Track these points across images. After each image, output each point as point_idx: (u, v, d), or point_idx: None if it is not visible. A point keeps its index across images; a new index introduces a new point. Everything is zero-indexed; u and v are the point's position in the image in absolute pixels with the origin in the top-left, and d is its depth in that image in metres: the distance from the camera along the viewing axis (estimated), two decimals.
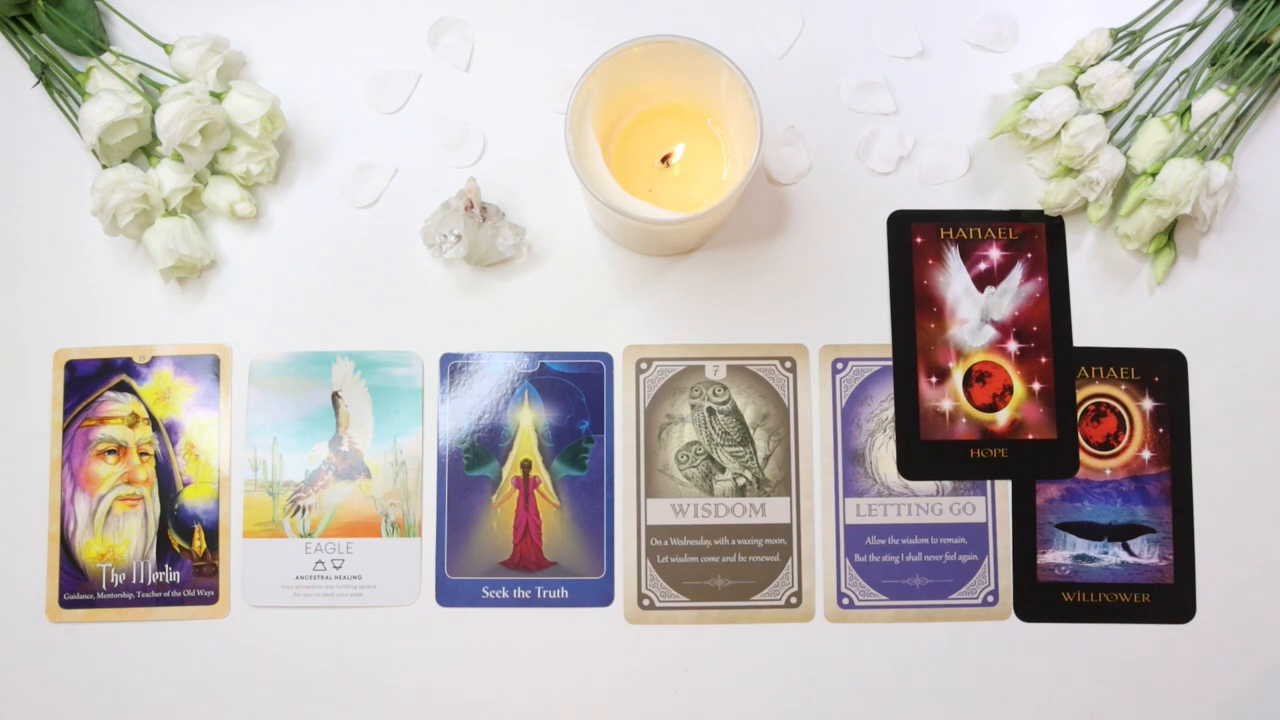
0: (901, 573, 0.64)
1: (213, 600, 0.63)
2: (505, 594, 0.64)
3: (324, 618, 0.63)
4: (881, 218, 0.66)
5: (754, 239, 0.66)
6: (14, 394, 0.65)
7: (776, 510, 0.64)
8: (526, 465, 0.64)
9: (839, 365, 0.65)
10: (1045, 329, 0.65)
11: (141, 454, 0.64)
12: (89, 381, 0.65)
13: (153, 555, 0.64)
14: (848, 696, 0.63)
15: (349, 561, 0.63)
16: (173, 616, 0.63)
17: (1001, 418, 0.65)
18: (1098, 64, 0.64)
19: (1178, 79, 0.65)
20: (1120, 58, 0.64)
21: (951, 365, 0.65)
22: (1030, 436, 0.65)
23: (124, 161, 0.64)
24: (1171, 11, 0.66)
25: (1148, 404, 0.65)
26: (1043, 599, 0.64)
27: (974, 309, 0.65)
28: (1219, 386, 0.65)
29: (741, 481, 0.64)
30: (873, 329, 0.65)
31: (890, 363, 0.65)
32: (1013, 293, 0.66)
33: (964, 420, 0.65)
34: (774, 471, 0.64)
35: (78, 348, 0.65)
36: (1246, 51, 0.64)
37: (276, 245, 0.66)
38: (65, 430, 0.64)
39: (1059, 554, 0.64)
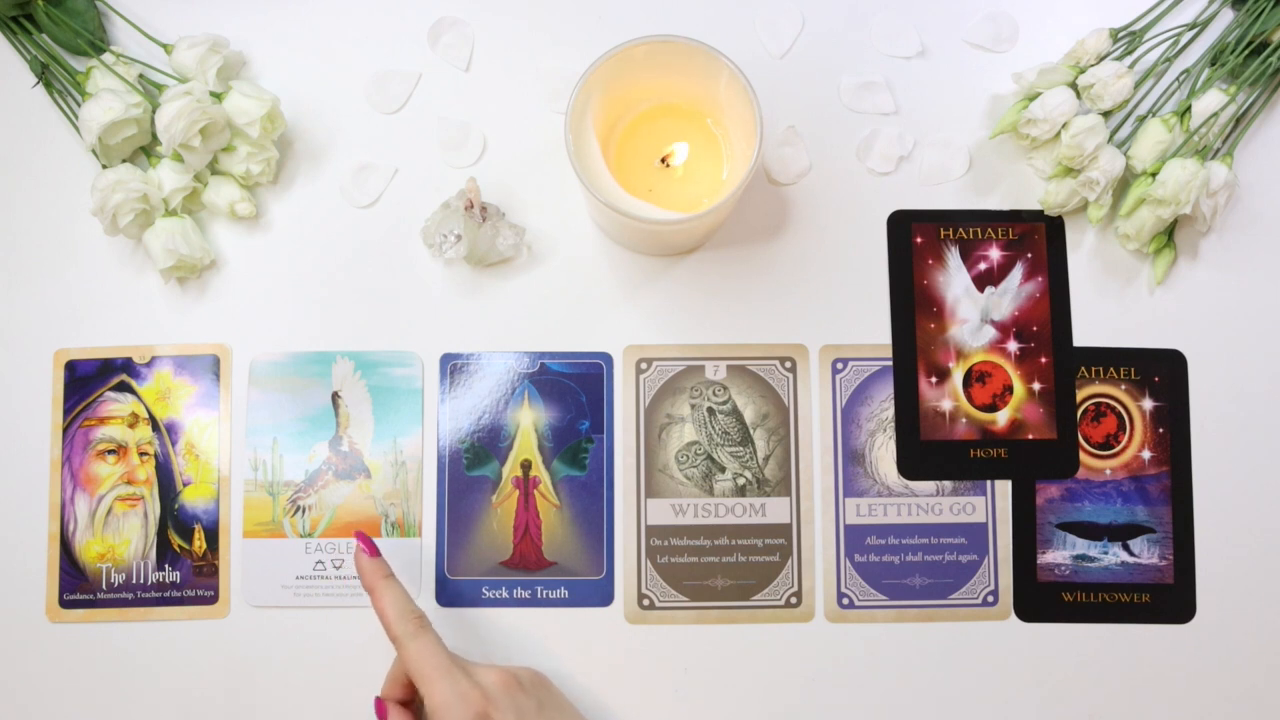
0: (901, 573, 0.64)
1: (213, 600, 0.63)
2: (505, 594, 0.64)
3: (324, 618, 0.63)
4: (881, 218, 0.66)
5: (754, 239, 0.66)
6: (14, 394, 0.65)
7: (776, 510, 0.64)
8: (526, 465, 0.64)
9: (839, 365, 0.65)
10: (1045, 329, 0.65)
11: (141, 454, 0.64)
12: (89, 381, 0.65)
13: (153, 555, 0.64)
14: (848, 696, 0.63)
15: (349, 561, 0.63)
16: (173, 616, 0.63)
17: (1001, 418, 0.65)
18: (1098, 64, 0.64)
19: (1178, 79, 0.65)
20: (1120, 58, 0.64)
21: (951, 365, 0.65)
22: (1030, 436, 0.65)
23: (124, 161, 0.64)
24: (1171, 11, 0.66)
25: (1148, 404, 0.65)
26: (1043, 599, 0.64)
27: (974, 309, 0.65)
28: (1219, 386, 0.65)
29: (741, 481, 0.64)
30: (873, 329, 0.65)
31: (890, 363, 0.65)
32: (1013, 293, 0.66)
33: (964, 420, 0.65)
34: (774, 471, 0.64)
35: (78, 348, 0.65)
36: (1246, 51, 0.64)
37: (276, 245, 0.66)
38: (65, 430, 0.64)
39: (1059, 554, 0.64)
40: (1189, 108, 0.63)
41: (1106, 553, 0.64)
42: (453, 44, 0.67)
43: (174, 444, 0.64)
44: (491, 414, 0.65)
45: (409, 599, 0.58)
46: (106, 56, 0.64)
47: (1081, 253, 0.66)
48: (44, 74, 0.65)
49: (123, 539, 0.64)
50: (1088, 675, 0.63)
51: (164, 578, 0.64)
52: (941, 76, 0.67)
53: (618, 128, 0.62)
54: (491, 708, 0.54)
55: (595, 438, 0.64)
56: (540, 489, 0.64)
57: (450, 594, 0.63)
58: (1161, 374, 0.65)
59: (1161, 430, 0.65)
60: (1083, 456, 0.65)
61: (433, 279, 0.65)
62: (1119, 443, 0.65)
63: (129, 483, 0.64)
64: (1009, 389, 0.65)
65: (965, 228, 0.66)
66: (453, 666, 0.55)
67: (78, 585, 0.63)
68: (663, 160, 0.61)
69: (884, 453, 0.65)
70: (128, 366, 0.65)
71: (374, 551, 0.59)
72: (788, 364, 0.65)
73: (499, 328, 0.65)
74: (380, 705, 0.58)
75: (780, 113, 0.66)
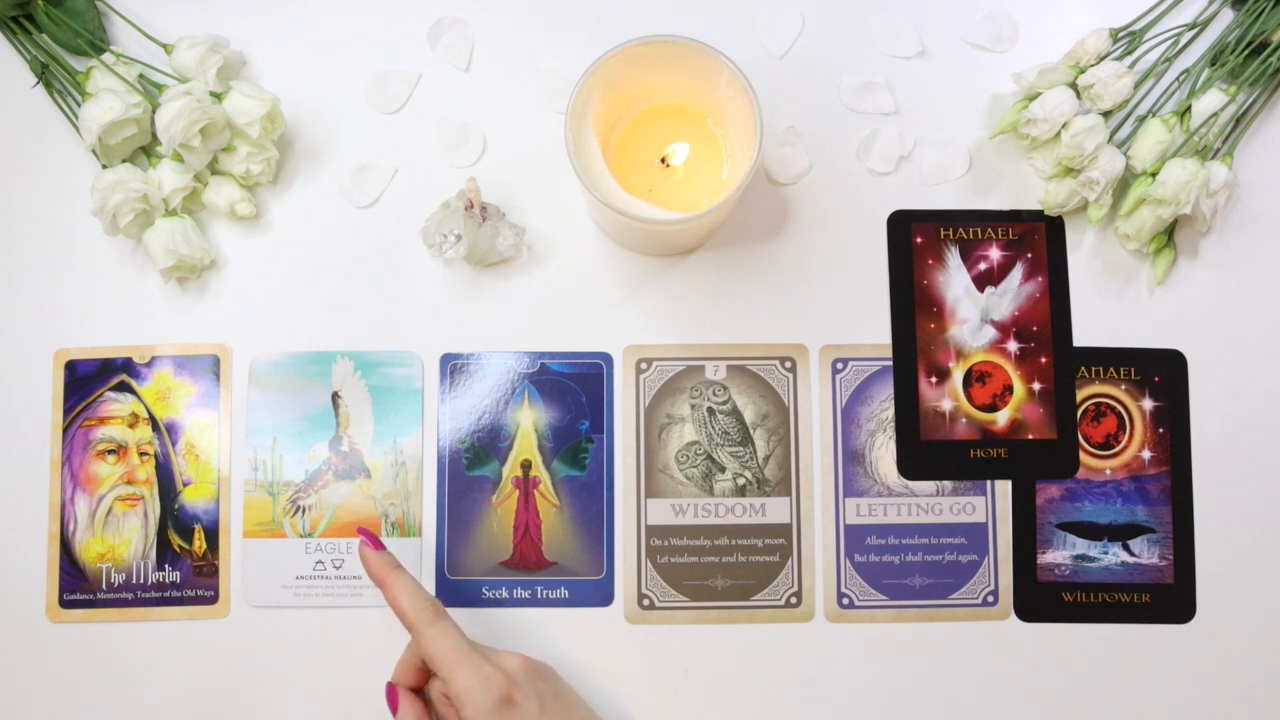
0: (901, 573, 0.64)
1: (213, 600, 0.63)
2: (505, 594, 0.64)
3: (324, 618, 0.63)
4: (881, 218, 0.66)
5: (754, 239, 0.66)
6: (14, 394, 0.65)
7: (776, 510, 0.64)
8: (526, 465, 0.64)
9: (839, 365, 0.65)
10: (1045, 329, 0.65)
11: (141, 454, 0.64)
12: (89, 381, 0.65)
13: (153, 555, 0.64)
14: (848, 696, 0.63)
15: (349, 561, 0.63)
16: (173, 616, 0.63)
17: (1001, 418, 0.65)
18: (1098, 64, 0.64)
19: (1178, 79, 0.65)
20: (1120, 58, 0.64)
21: (951, 365, 0.65)
22: (1030, 436, 0.65)
23: (124, 161, 0.64)
24: (1171, 11, 0.66)
25: (1148, 404, 0.65)
26: (1043, 599, 0.64)
27: (974, 309, 0.65)
28: (1219, 386, 0.65)
29: (741, 481, 0.64)
30: (873, 329, 0.65)
31: (890, 363, 0.65)
32: (1013, 293, 0.66)
33: (964, 420, 0.65)
34: (774, 471, 0.64)
35: (78, 348, 0.65)
36: (1246, 51, 0.64)
37: (276, 245, 0.66)
38: (65, 430, 0.64)
39: (1059, 554, 0.64)
40: (1189, 108, 0.63)
41: (1106, 553, 0.64)
42: (453, 44, 0.67)
43: (174, 444, 0.64)
44: (491, 414, 0.65)
45: (421, 588, 0.58)
46: (106, 56, 0.64)
47: (1081, 253, 0.66)
48: (44, 74, 0.65)
49: (123, 539, 0.64)
50: (1088, 675, 0.63)
51: (164, 578, 0.64)
52: (941, 76, 0.67)
53: (618, 128, 0.62)
54: (515, 691, 0.55)
55: (595, 438, 0.64)
56: (540, 489, 0.64)
57: (450, 594, 0.63)
58: (1161, 374, 0.65)
59: (1161, 430, 0.65)
60: (1083, 456, 0.65)
61: (433, 279, 0.65)
62: (1119, 443, 0.65)
63: (129, 483, 0.64)
64: (1009, 389, 0.65)
65: (965, 228, 0.66)
66: (473, 652, 0.55)
67: (78, 585, 0.63)
68: (663, 160, 0.61)
69: (884, 453, 0.65)
70: (128, 366, 0.65)
71: (379, 545, 0.59)
72: (788, 364, 0.65)
73: (499, 328, 0.65)
74: (392, 690, 0.58)
75: (780, 113, 0.66)
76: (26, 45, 0.65)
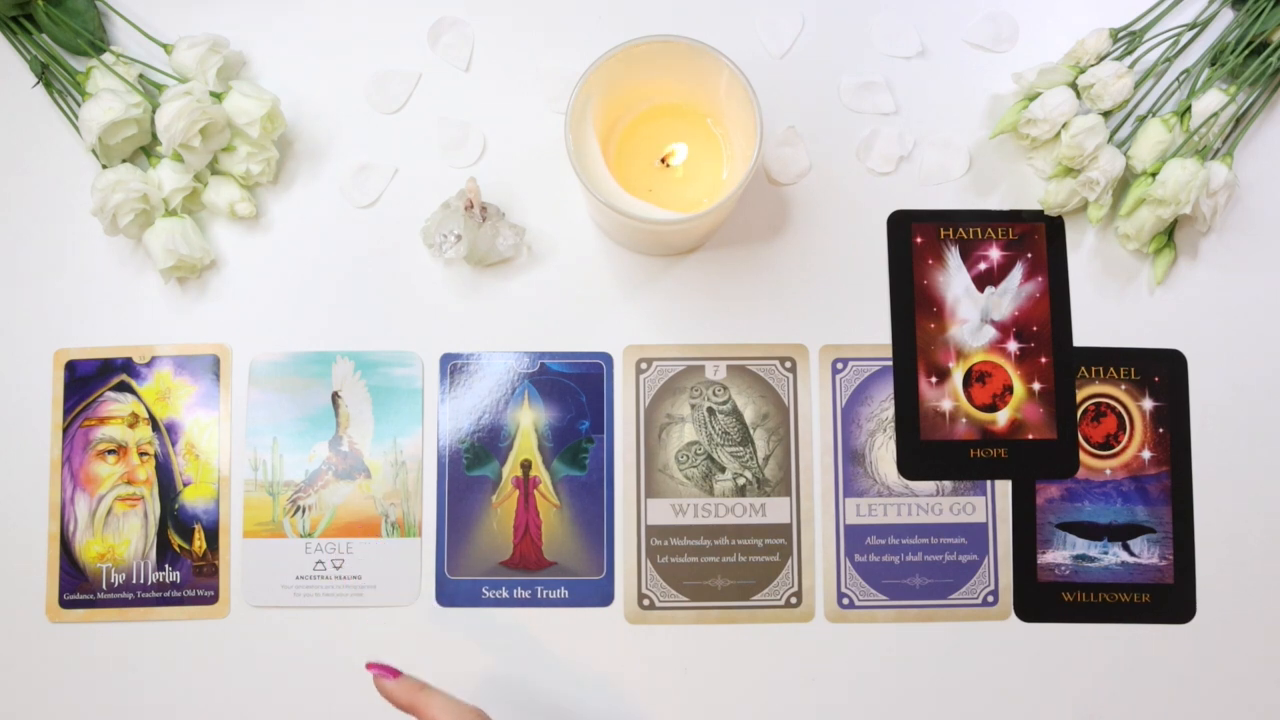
0: (901, 573, 0.64)
1: (213, 600, 0.63)
2: (505, 594, 0.64)
3: (324, 618, 0.63)
4: (881, 218, 0.66)
5: (754, 239, 0.66)
6: (14, 394, 0.65)
7: (776, 510, 0.64)
8: (526, 465, 0.64)
9: (839, 365, 0.65)
10: (1045, 329, 0.65)
11: (141, 454, 0.64)
12: (89, 381, 0.65)
13: (153, 555, 0.64)
14: (848, 696, 0.63)
15: (349, 561, 0.63)
16: (173, 616, 0.63)
17: (1001, 418, 0.65)
18: (1098, 64, 0.64)
19: (1178, 79, 0.65)
20: (1120, 58, 0.64)
21: (951, 365, 0.65)
22: (1030, 436, 0.65)
23: (124, 161, 0.64)
24: (1171, 11, 0.66)
25: (1148, 404, 0.65)
26: (1043, 599, 0.64)
27: (974, 309, 0.65)
28: (1219, 386, 0.65)
29: (741, 481, 0.64)
30: (873, 329, 0.65)
31: (890, 363, 0.65)
32: (1013, 293, 0.66)
33: (964, 420, 0.65)
34: (774, 471, 0.64)
35: (78, 348, 0.65)
36: (1246, 51, 0.64)
37: (276, 245, 0.66)
38: (65, 430, 0.64)
39: (1059, 554, 0.64)
40: (1189, 108, 0.63)
41: (1106, 553, 0.64)
42: (453, 44, 0.67)
43: (174, 444, 0.64)
44: (491, 414, 0.65)
45: (457, 700, 0.53)
46: (106, 56, 0.64)
47: (1081, 253, 0.66)
48: (44, 74, 0.65)
49: (123, 539, 0.64)
50: (1088, 675, 0.63)
51: (164, 578, 0.64)
52: (941, 76, 0.67)
53: (618, 128, 0.62)
54: None
55: (595, 438, 0.64)
56: (540, 489, 0.64)
57: (450, 594, 0.63)
58: (1161, 374, 0.65)
59: (1161, 430, 0.65)
60: (1083, 456, 0.65)
61: (433, 279, 0.65)
62: (1119, 443, 0.65)
63: (129, 483, 0.64)
64: (1009, 389, 0.65)
65: (965, 228, 0.66)
66: None
67: (78, 585, 0.63)
68: (663, 160, 0.61)
69: (884, 453, 0.65)
70: (128, 366, 0.65)
71: (394, 673, 0.55)
72: (788, 364, 0.65)
73: (499, 328, 0.65)
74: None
75: (780, 113, 0.66)
76: (26, 45, 0.65)
